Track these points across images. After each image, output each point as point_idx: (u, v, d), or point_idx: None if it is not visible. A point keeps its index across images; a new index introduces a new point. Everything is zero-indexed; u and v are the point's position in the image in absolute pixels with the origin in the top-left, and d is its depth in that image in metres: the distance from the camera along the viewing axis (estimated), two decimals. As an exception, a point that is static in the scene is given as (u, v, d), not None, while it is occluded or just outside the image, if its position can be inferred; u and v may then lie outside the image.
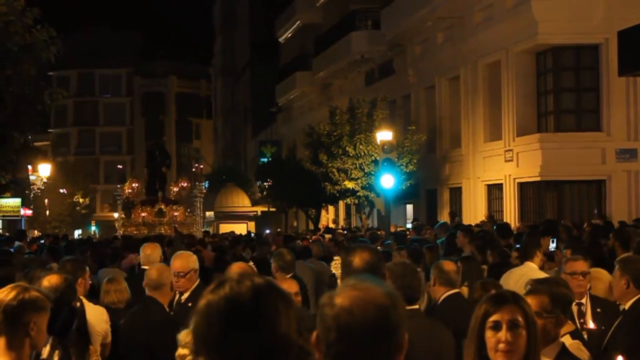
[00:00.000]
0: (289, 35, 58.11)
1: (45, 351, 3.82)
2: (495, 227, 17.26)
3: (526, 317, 3.75)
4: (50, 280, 5.47)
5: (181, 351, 4.14)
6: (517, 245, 11.55)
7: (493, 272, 9.96)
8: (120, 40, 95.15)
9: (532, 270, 9.23)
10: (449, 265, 7.09)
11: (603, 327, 6.84)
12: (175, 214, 35.45)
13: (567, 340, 5.58)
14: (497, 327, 3.72)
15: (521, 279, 8.93)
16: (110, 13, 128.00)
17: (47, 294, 4.13)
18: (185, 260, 7.82)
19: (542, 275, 8.88)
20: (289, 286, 6.67)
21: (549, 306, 4.90)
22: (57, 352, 3.86)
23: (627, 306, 6.71)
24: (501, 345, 3.69)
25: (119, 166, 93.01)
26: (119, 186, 36.97)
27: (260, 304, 2.37)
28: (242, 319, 2.35)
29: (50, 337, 3.86)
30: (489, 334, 3.73)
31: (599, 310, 7.28)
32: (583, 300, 7.41)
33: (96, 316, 7.52)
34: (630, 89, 26.11)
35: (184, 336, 4.14)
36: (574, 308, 7.33)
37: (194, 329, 2.44)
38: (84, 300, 7.54)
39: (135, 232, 32.89)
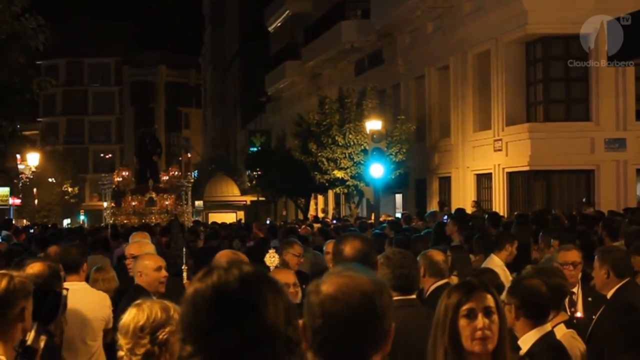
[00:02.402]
0: (279, 24, 57.99)
1: (30, 337, 3.80)
2: (487, 215, 17.32)
3: (496, 303, 3.76)
4: (33, 267, 5.46)
5: (119, 353, 4.13)
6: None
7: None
8: (109, 29, 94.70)
9: (491, 264, 9.22)
10: (438, 256, 7.05)
11: (594, 317, 6.87)
12: (166, 202, 35.34)
13: (561, 329, 5.58)
14: (472, 315, 3.69)
15: None
16: (100, 2, 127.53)
17: (29, 278, 4.12)
18: (139, 244, 7.96)
19: (502, 271, 8.90)
20: (286, 277, 6.64)
21: (506, 295, 4.94)
22: (42, 337, 3.85)
23: (608, 295, 6.75)
24: (479, 333, 3.67)
25: (101, 155, 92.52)
26: (104, 175, 36.73)
27: (247, 292, 2.35)
28: (229, 308, 2.33)
29: (35, 323, 3.85)
30: (463, 322, 3.70)
31: (590, 299, 7.29)
32: (574, 290, 7.43)
33: (98, 302, 7.52)
34: (619, 79, 26.16)
35: (122, 343, 4.14)
36: None
37: (181, 318, 2.43)
38: (87, 286, 7.57)
39: (125, 221, 32.74)
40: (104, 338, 7.47)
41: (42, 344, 3.84)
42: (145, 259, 7.21)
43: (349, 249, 4.85)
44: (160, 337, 4.02)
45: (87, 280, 8.32)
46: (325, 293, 2.53)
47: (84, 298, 7.23)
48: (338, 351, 2.51)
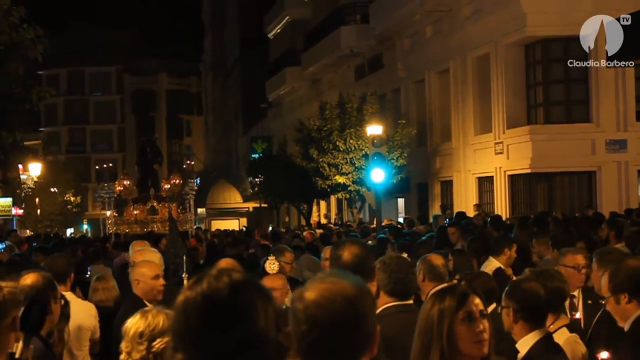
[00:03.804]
0: (278, 30, 58.03)
1: (18, 349, 3.82)
2: (489, 219, 17.31)
3: (484, 305, 3.77)
4: (27, 278, 5.45)
5: (121, 356, 4.17)
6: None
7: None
8: (109, 38, 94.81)
9: (489, 267, 9.25)
10: (437, 260, 7.03)
11: (594, 319, 6.85)
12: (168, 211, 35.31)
13: (563, 333, 5.55)
14: (470, 318, 3.68)
15: None
16: (99, 11, 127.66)
17: (19, 288, 4.14)
18: (142, 252, 8.03)
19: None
20: (273, 282, 6.68)
21: (503, 299, 4.94)
22: (30, 347, 3.87)
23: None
24: (479, 336, 3.66)
25: (97, 167, 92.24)
26: (105, 184, 36.77)
27: (237, 299, 2.37)
28: (219, 315, 2.35)
29: (22, 334, 3.87)
30: (462, 326, 3.67)
31: (589, 302, 7.27)
32: (575, 293, 7.41)
33: (84, 312, 7.51)
34: (619, 80, 26.14)
35: (123, 346, 4.19)
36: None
37: (172, 326, 2.44)
38: (72, 296, 7.54)
39: (127, 230, 32.75)
40: (91, 348, 7.47)
41: (30, 355, 3.85)
42: (142, 267, 7.18)
43: (346, 254, 4.83)
44: (157, 346, 4.06)
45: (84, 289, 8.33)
46: (308, 299, 2.58)
47: (71, 308, 7.22)
48: (323, 355, 2.53)
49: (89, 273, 12.18)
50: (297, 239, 17.13)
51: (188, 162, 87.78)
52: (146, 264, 7.24)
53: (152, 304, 6.50)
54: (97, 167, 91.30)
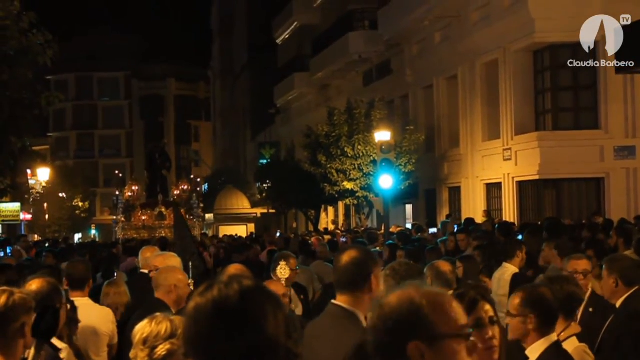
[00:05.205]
0: (287, 36, 58.12)
1: (30, 355, 3.83)
2: (497, 225, 17.29)
3: (495, 313, 3.76)
4: (33, 284, 5.47)
5: None
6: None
7: (486, 271, 10.01)
8: (118, 43, 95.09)
9: (506, 273, 9.32)
10: (445, 266, 7.03)
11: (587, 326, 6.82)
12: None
13: (573, 343, 5.52)
14: (480, 324, 3.67)
15: (500, 282, 9.09)
16: (108, 16, 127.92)
17: (30, 294, 4.15)
18: (164, 257, 7.96)
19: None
20: (276, 288, 6.69)
21: (518, 307, 4.92)
22: (42, 354, 3.88)
23: (617, 304, 6.71)
24: (489, 342, 3.66)
25: (117, 172, 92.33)
26: (117, 192, 36.92)
27: (247, 306, 2.39)
28: (230, 322, 2.37)
29: (35, 340, 3.88)
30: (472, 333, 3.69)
31: (591, 310, 7.24)
32: None
33: (102, 317, 7.52)
34: (627, 86, 26.09)
35: (131, 354, 4.20)
36: None
37: (183, 332, 2.46)
38: (89, 301, 7.55)
39: (135, 236, 32.83)
40: (109, 353, 7.48)
41: (41, 360, 3.86)
42: (179, 273, 7.13)
43: (345, 257, 4.87)
44: (158, 352, 4.06)
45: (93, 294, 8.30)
46: (381, 300, 2.63)
47: (88, 313, 7.23)
48: (378, 355, 2.57)
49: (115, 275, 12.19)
50: (322, 246, 17.06)
51: (196, 167, 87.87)
52: (179, 271, 7.19)
53: (173, 311, 6.45)
54: (105, 172, 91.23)
